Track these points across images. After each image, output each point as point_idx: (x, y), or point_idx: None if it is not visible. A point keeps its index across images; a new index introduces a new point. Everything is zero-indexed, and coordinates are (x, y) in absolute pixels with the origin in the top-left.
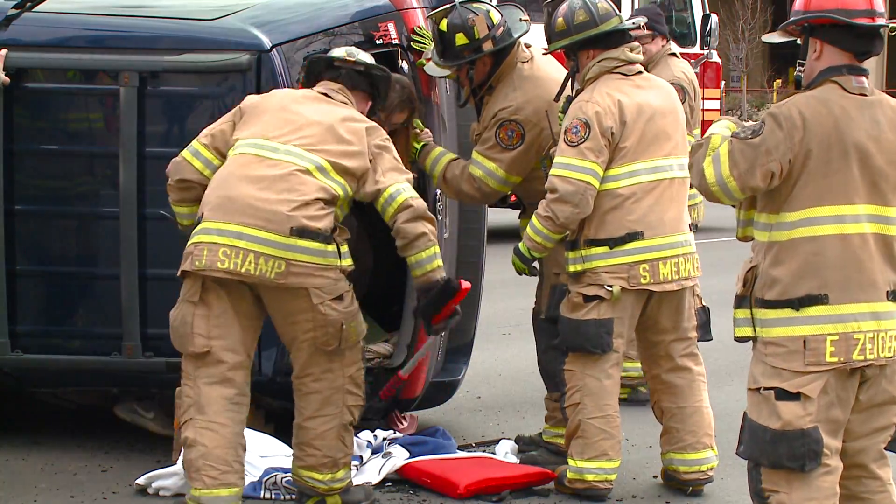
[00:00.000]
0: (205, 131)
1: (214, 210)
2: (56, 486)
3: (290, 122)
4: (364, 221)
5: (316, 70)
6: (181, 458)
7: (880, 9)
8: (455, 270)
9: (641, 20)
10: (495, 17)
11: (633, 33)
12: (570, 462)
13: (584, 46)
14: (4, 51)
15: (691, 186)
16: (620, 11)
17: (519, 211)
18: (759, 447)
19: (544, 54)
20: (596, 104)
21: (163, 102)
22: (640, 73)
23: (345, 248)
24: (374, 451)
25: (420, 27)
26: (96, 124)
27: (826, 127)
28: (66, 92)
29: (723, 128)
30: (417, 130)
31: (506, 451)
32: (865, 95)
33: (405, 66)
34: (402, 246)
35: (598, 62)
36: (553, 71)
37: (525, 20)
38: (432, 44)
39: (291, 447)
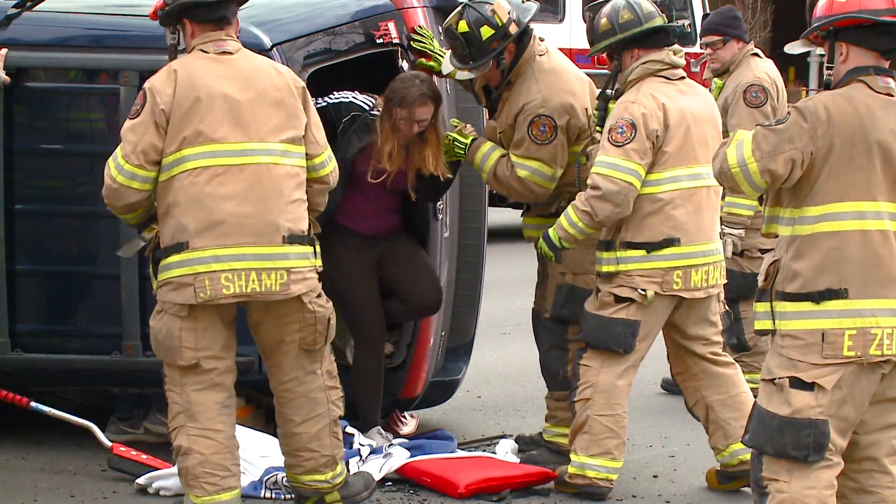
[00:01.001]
0: (128, 148)
1: (201, 236)
2: (56, 486)
3: (226, 113)
4: None
5: (177, 14)
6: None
7: None
8: (455, 270)
9: (686, 21)
10: (504, 1)
11: (704, 41)
12: (573, 457)
13: (629, 46)
14: (4, 50)
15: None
16: None
17: (521, 210)
18: (766, 434)
19: (587, 57)
20: (642, 106)
21: None
22: (683, 77)
23: (318, 248)
24: (374, 451)
25: (420, 27)
26: (96, 124)
27: (850, 123)
28: (66, 91)
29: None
30: (460, 127)
31: (506, 451)
32: (892, 95)
33: (405, 65)
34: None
35: (642, 64)
36: (569, 64)
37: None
38: (446, 53)
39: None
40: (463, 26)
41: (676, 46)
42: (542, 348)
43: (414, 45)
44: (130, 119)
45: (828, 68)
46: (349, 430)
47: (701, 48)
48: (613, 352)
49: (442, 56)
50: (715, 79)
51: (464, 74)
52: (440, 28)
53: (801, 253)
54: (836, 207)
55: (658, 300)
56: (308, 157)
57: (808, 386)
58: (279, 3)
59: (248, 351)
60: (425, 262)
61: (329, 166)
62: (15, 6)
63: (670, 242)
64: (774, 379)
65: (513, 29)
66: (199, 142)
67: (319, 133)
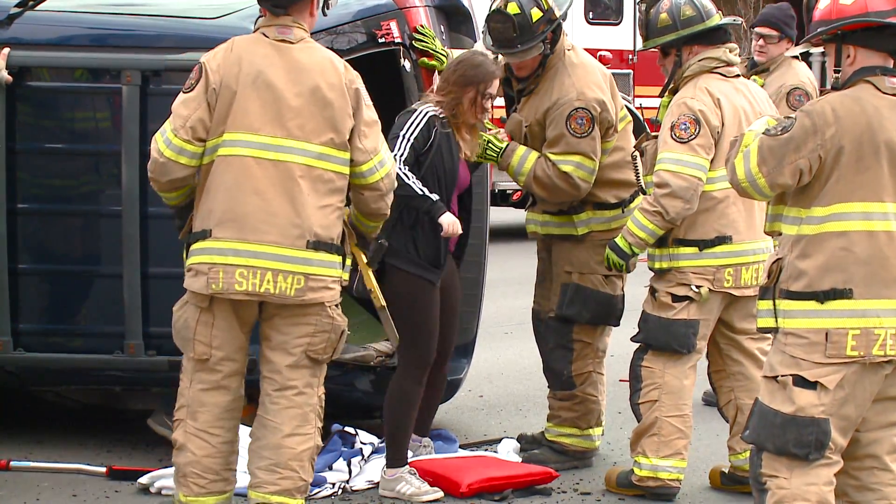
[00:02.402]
0: (178, 122)
1: (224, 227)
2: (58, 485)
3: (269, 104)
4: None
5: None
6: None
7: None
8: (457, 269)
9: (741, 19)
10: None
11: (759, 30)
12: (642, 459)
13: (689, 42)
14: (7, 49)
15: None
16: (623, 15)
17: (525, 207)
18: (767, 431)
19: (641, 50)
20: (701, 102)
21: (165, 101)
22: (738, 76)
23: (348, 261)
24: (376, 451)
25: (422, 26)
26: (99, 123)
27: (859, 124)
28: (68, 91)
29: (761, 124)
30: (494, 130)
31: (508, 450)
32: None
33: (407, 64)
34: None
35: (700, 60)
36: (593, 59)
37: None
38: (479, 38)
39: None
40: (514, 7)
41: (733, 45)
42: (546, 347)
43: (416, 44)
44: (184, 93)
45: (835, 72)
46: (349, 429)
47: (753, 37)
48: (676, 352)
49: (444, 55)
50: (755, 77)
51: (504, 59)
52: (442, 27)
53: (807, 252)
54: (843, 208)
55: (711, 297)
56: (353, 163)
57: (812, 385)
58: None
59: (251, 351)
60: (458, 299)
61: (379, 172)
62: (17, 5)
63: (722, 240)
64: (777, 376)
65: (557, 13)
66: (238, 128)
67: (369, 139)
